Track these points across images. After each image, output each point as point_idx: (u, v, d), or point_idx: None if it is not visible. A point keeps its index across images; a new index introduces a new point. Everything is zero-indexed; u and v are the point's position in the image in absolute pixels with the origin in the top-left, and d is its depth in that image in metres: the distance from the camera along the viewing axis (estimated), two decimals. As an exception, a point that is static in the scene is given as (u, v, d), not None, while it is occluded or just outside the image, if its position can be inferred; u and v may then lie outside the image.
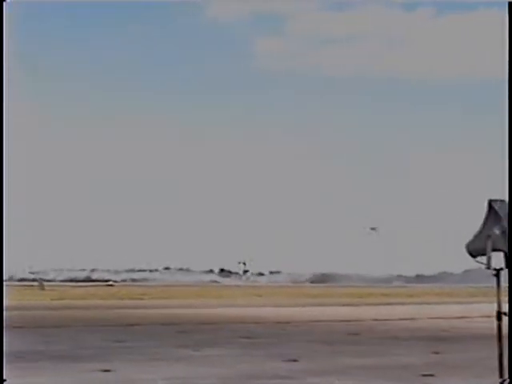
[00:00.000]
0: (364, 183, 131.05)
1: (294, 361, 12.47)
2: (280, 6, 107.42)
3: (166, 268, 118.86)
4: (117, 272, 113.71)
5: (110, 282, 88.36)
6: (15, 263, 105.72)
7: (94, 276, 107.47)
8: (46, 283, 71.62)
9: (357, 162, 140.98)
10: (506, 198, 8.03)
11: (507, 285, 7.49)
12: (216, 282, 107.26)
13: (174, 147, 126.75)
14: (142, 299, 40.28)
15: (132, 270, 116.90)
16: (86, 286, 71.79)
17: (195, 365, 12.10)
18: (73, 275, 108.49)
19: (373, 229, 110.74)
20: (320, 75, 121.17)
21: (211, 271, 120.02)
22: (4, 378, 8.85)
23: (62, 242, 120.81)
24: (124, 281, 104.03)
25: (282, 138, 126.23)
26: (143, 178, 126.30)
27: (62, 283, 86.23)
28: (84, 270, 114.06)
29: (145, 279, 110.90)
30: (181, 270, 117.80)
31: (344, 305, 34.54)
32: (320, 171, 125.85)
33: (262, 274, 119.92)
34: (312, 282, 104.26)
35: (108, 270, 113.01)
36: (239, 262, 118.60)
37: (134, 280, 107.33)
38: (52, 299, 38.81)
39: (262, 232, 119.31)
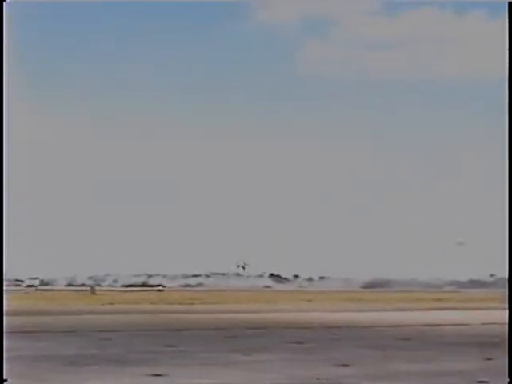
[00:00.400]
0: (414, 185, 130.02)
1: (345, 366, 12.35)
2: (330, 9, 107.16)
3: (221, 273, 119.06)
4: (173, 277, 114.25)
5: (160, 287, 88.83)
6: (75, 269, 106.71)
7: (151, 282, 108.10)
8: (102, 289, 72.21)
9: (403, 164, 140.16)
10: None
11: None
12: (268, 287, 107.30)
13: (218, 148, 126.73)
14: (192, 304, 40.39)
15: (187, 276, 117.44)
16: (137, 291, 72.19)
17: (246, 370, 12.04)
18: (130, 281, 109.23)
19: (460, 243, 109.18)
20: (368, 79, 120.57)
21: (263, 276, 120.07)
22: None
23: (118, 248, 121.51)
24: (183, 286, 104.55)
25: (327, 140, 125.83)
26: (177, 180, 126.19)
27: (118, 289, 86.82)
28: (140, 275, 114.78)
29: (200, 284, 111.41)
30: (235, 275, 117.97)
31: (396, 310, 34.25)
32: (369, 173, 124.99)
33: (312, 280, 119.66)
34: (364, 288, 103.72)
35: (164, 276, 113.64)
36: (238, 266, 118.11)
37: (188, 285, 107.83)
38: (102, 304, 39.09)
39: (314, 237, 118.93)
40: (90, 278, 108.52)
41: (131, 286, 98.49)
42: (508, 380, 8.50)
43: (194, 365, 12.59)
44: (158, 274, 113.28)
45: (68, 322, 24.38)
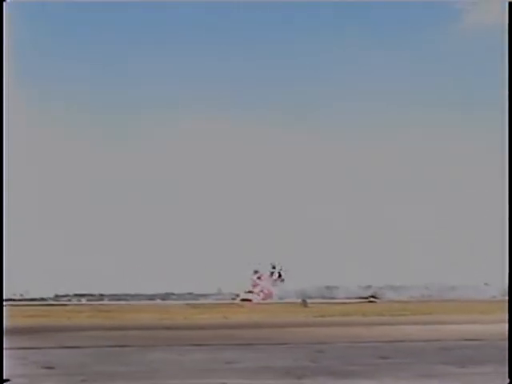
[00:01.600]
0: None
1: None
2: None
3: (446, 286, 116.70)
4: (397, 289, 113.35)
5: (372, 299, 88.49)
6: (305, 282, 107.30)
7: (380, 294, 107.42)
8: (314, 301, 72.70)
9: None
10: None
11: None
12: (494, 297, 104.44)
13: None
14: (403, 315, 40.10)
15: (410, 288, 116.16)
16: (349, 304, 72.41)
17: (463, 382, 11.93)
18: (358, 293, 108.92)
19: None
20: None
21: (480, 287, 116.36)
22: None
23: (346, 261, 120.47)
24: (409, 297, 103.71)
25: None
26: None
27: (332, 301, 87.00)
28: (369, 287, 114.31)
29: (425, 296, 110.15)
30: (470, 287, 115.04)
31: None
32: None
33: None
34: None
35: (391, 287, 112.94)
36: (278, 269, 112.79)
37: (412, 297, 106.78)
38: (314, 316, 39.57)
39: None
40: (324, 288, 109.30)
41: (358, 298, 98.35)
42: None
43: (409, 377, 12.59)
44: (385, 287, 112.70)
45: (281, 334, 24.92)
